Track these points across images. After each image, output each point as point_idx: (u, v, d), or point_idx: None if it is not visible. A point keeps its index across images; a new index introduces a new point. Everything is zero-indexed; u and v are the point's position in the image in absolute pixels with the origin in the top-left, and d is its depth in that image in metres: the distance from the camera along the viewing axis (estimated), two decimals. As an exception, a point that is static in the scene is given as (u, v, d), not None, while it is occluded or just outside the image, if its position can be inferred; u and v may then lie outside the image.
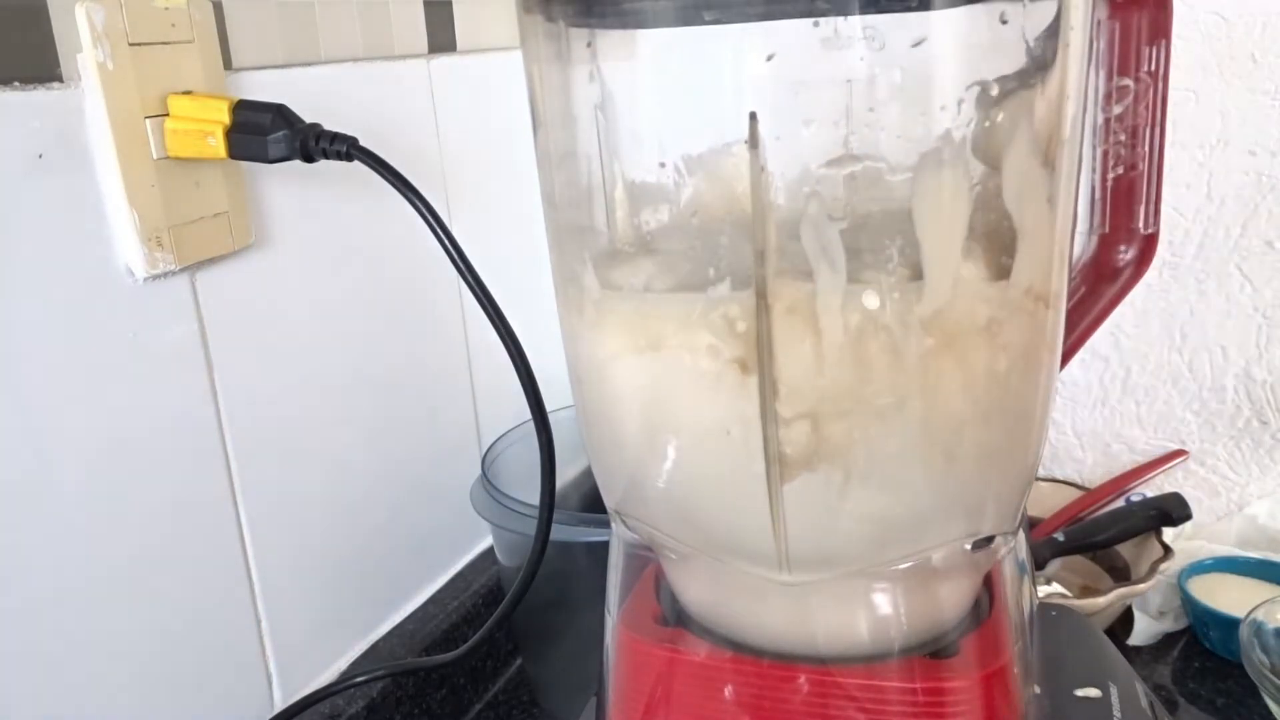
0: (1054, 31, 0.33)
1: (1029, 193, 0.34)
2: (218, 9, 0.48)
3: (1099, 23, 0.44)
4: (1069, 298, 0.45)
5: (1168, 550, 0.67)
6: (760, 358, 0.33)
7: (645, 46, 0.35)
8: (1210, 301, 0.75)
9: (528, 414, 0.48)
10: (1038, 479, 0.74)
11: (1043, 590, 0.69)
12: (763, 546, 0.35)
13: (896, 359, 0.33)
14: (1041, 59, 0.33)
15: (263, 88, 0.51)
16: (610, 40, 0.36)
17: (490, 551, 0.72)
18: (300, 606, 0.57)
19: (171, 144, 0.45)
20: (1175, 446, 0.79)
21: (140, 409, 0.46)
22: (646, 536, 0.40)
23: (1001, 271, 0.33)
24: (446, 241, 0.45)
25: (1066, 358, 0.46)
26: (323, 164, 0.46)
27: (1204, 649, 0.67)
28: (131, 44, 0.43)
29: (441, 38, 0.66)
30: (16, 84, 0.40)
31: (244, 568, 0.53)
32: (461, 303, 0.68)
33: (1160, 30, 0.43)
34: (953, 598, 0.39)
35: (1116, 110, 0.44)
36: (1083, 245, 0.48)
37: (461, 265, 0.46)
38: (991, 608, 0.40)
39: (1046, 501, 0.78)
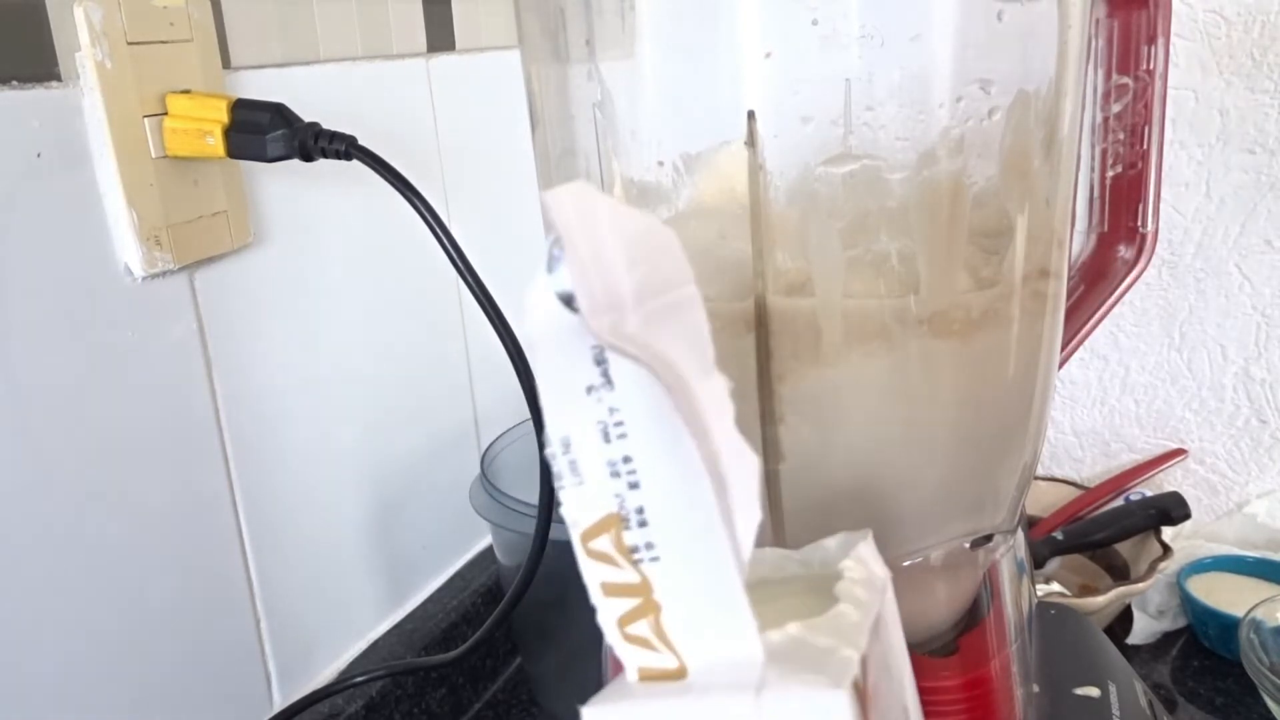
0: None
1: (1027, 191, 0.34)
2: (216, 8, 0.48)
3: (1098, 21, 0.44)
4: (1068, 297, 0.45)
5: (1167, 549, 0.67)
6: (759, 356, 0.33)
7: (644, 44, 0.35)
8: (1209, 300, 0.75)
9: (527, 413, 0.48)
10: (1036, 477, 0.75)
11: (1041, 589, 0.69)
12: (760, 544, 0.35)
13: (895, 357, 0.33)
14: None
15: (261, 87, 0.51)
16: (609, 38, 0.36)
17: (489, 551, 0.72)
18: (299, 606, 0.57)
19: (170, 143, 0.45)
20: (1174, 445, 0.79)
21: (139, 408, 0.46)
22: (645, 535, 0.40)
23: (999, 270, 0.33)
24: (445, 241, 0.45)
25: (1065, 356, 0.46)
26: (321, 163, 0.46)
27: (1203, 648, 0.67)
28: (130, 43, 0.43)
29: (440, 37, 0.66)
30: (15, 83, 0.40)
31: (243, 567, 0.53)
32: (460, 302, 0.68)
33: (1159, 29, 0.43)
34: (951, 596, 0.39)
35: (1115, 109, 0.44)
36: (1081, 244, 0.48)
37: (460, 264, 0.45)
38: (990, 606, 0.40)
39: (1045, 500, 0.78)
